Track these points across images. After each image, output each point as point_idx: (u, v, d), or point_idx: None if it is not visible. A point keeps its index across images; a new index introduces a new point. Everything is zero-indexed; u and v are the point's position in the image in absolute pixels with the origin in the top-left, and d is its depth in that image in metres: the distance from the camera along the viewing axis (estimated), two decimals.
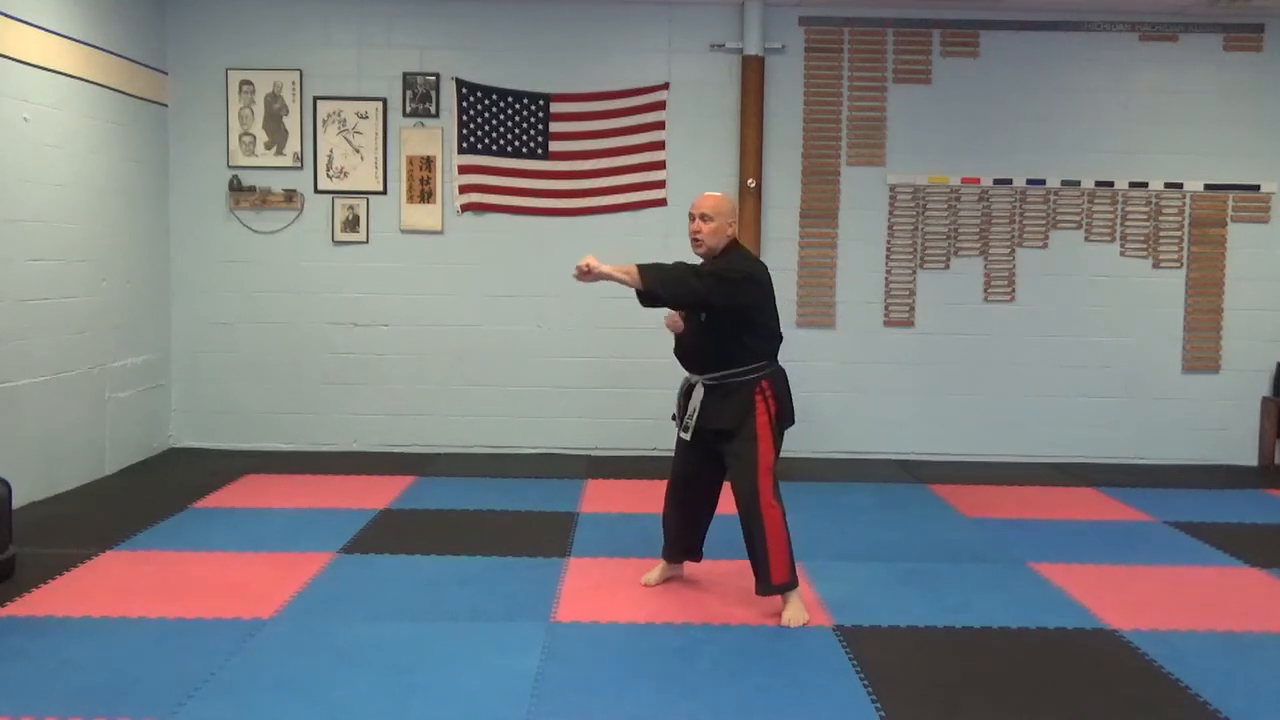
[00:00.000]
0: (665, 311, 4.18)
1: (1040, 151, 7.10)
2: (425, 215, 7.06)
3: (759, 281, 4.06)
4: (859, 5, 6.98)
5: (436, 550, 4.88)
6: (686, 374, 4.23)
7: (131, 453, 6.59)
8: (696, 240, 4.08)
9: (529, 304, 7.12)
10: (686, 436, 4.14)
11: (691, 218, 4.09)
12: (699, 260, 4.14)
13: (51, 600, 4.13)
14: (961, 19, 7.02)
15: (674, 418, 4.31)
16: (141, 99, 6.63)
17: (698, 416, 4.10)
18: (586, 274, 3.83)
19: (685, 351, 4.20)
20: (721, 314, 4.00)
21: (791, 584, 4.07)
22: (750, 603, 4.22)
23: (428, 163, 7.04)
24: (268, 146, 7.01)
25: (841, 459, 7.09)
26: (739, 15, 6.96)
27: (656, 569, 4.49)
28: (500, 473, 6.55)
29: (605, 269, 3.83)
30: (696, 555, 4.50)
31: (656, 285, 3.84)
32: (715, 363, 4.09)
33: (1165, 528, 5.56)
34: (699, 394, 4.11)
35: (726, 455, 4.11)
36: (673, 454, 4.40)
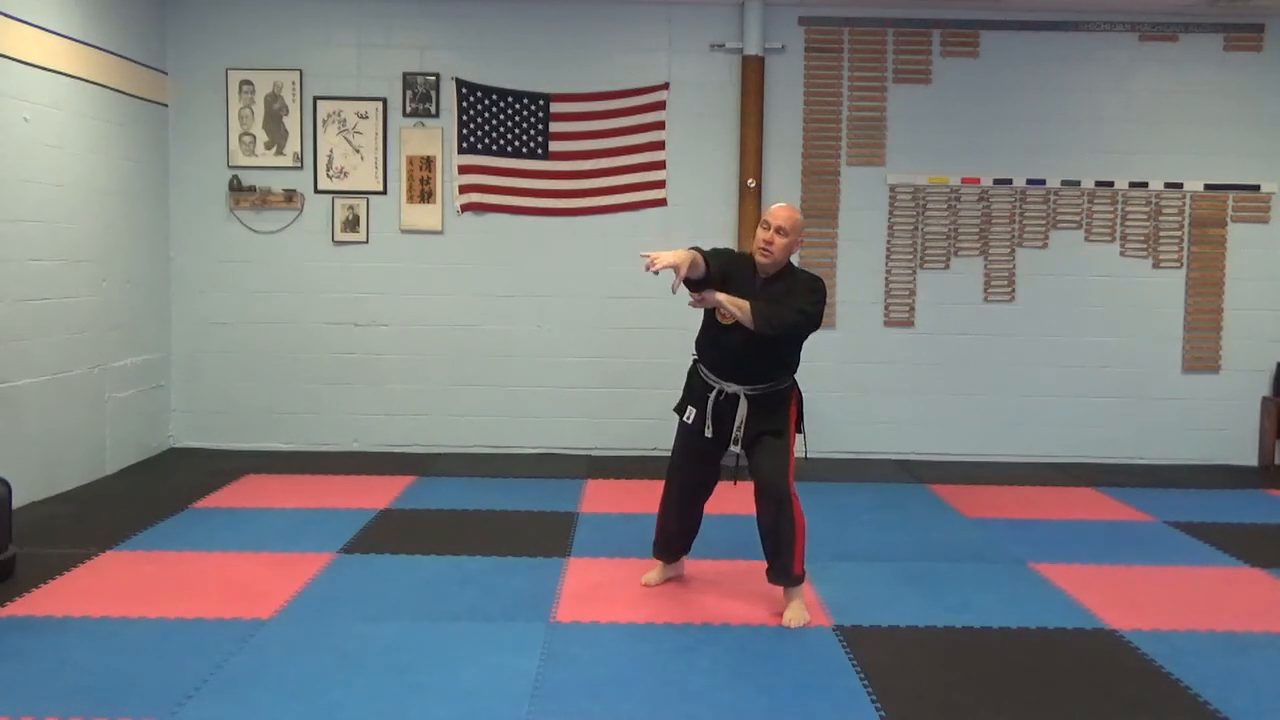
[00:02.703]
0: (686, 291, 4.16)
1: (1040, 151, 7.10)
2: (425, 215, 7.06)
3: None
4: (859, 5, 6.98)
5: (436, 550, 4.88)
6: (716, 384, 4.13)
7: (131, 453, 6.59)
8: (766, 251, 4.03)
9: (529, 304, 7.12)
10: (737, 449, 4.12)
11: (766, 226, 4.04)
12: (711, 258, 4.11)
13: (51, 600, 4.13)
14: (961, 19, 7.02)
15: (684, 419, 4.24)
16: (141, 99, 6.63)
17: (745, 427, 4.10)
18: (700, 302, 4.01)
19: (735, 365, 4.11)
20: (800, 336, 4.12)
21: (804, 577, 4.12)
22: (750, 602, 4.23)
23: (428, 163, 7.04)
24: (268, 146, 7.01)
25: (841, 459, 7.09)
26: (739, 15, 6.96)
27: (656, 569, 4.49)
28: (500, 473, 6.55)
29: (720, 298, 3.98)
30: (687, 551, 4.53)
31: (767, 327, 3.96)
32: (768, 375, 4.10)
33: (1165, 528, 5.56)
34: (745, 406, 4.09)
35: (758, 451, 4.11)
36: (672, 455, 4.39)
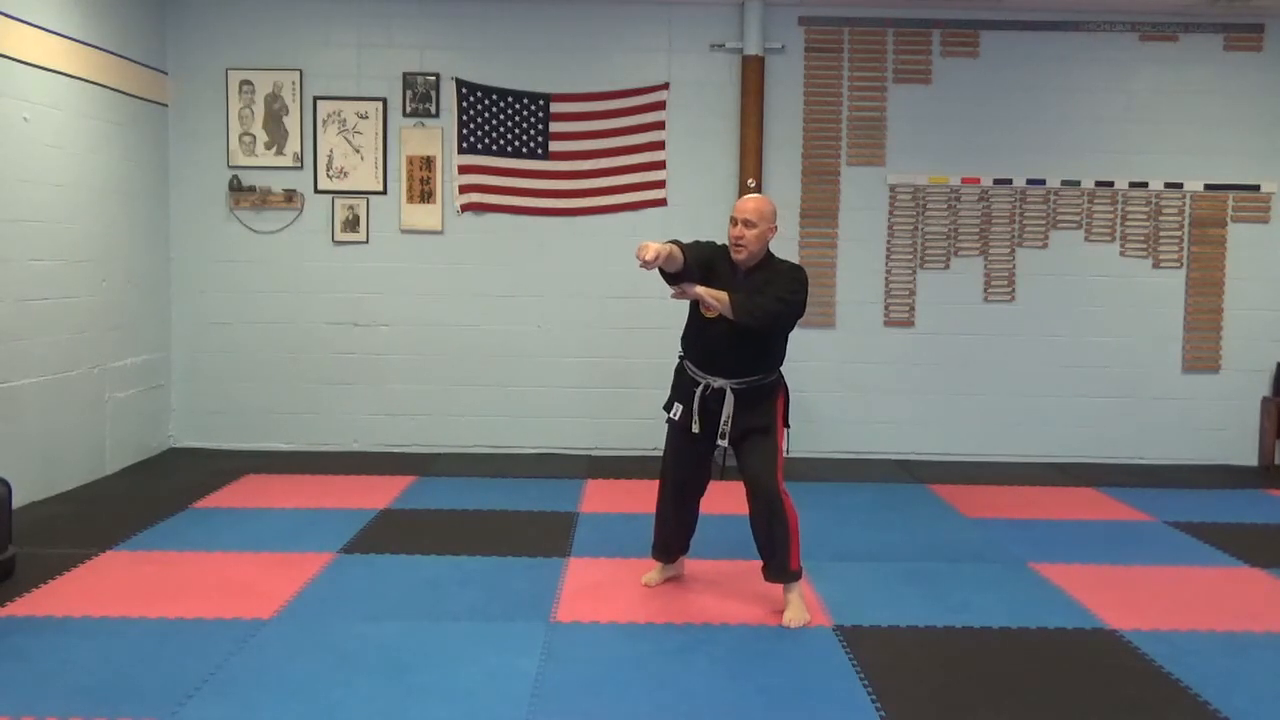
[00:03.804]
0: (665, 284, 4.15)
1: (1040, 151, 7.10)
2: (425, 215, 7.06)
3: None
4: (859, 5, 6.98)
5: (436, 550, 4.88)
6: (702, 379, 4.13)
7: (131, 453, 6.59)
8: (739, 246, 4.03)
9: (529, 304, 7.12)
10: (724, 443, 4.11)
11: (734, 222, 4.04)
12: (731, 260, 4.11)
13: (51, 600, 4.13)
14: (961, 19, 7.02)
15: (671, 415, 4.25)
16: (141, 99, 6.63)
17: (731, 421, 4.08)
18: (681, 294, 4.02)
19: (720, 359, 4.10)
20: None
21: (801, 573, 4.12)
22: (750, 602, 4.23)
23: (428, 163, 7.04)
24: (268, 146, 7.01)
25: (841, 459, 7.09)
26: (739, 15, 6.96)
27: (656, 570, 4.49)
28: (500, 473, 6.55)
29: (699, 290, 3.98)
30: (686, 551, 4.52)
31: (748, 317, 3.94)
32: (753, 368, 4.09)
33: (1165, 528, 5.56)
34: (731, 400, 4.08)
35: (746, 449, 4.10)
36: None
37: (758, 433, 4.10)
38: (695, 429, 4.15)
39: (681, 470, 4.31)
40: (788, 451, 4.25)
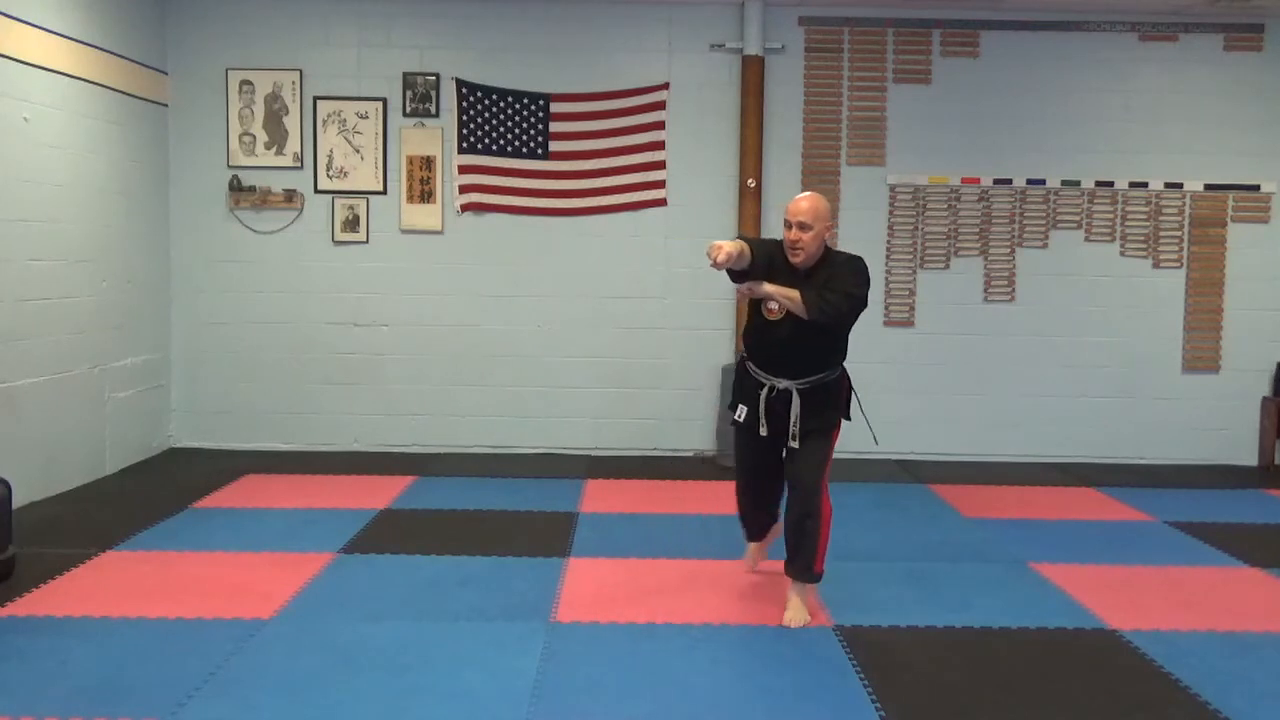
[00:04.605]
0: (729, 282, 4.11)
1: (1040, 151, 7.10)
2: (425, 215, 7.06)
3: None
4: (859, 5, 6.98)
5: (436, 550, 4.88)
6: (767, 381, 4.09)
7: (131, 453, 6.59)
8: (796, 251, 3.96)
9: (529, 304, 7.12)
10: (795, 445, 4.06)
11: (788, 225, 3.97)
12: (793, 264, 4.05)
13: (51, 600, 4.13)
14: (961, 19, 7.02)
15: (735, 417, 4.20)
16: (141, 99, 6.63)
17: (799, 422, 4.05)
18: (749, 293, 4.00)
19: (784, 360, 4.06)
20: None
21: (821, 576, 4.12)
22: (750, 602, 4.23)
23: (428, 163, 7.04)
24: (268, 146, 7.01)
25: (841, 459, 7.03)
26: (739, 15, 6.96)
27: (749, 553, 4.55)
28: (500, 473, 6.55)
29: (768, 289, 3.95)
30: (775, 520, 4.48)
31: (819, 315, 3.91)
32: (817, 367, 4.07)
33: (1165, 528, 5.56)
34: (798, 401, 4.04)
35: (802, 447, 4.06)
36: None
37: (817, 433, 4.07)
38: (764, 431, 4.12)
39: (754, 467, 4.31)
40: (841, 448, 4.14)
